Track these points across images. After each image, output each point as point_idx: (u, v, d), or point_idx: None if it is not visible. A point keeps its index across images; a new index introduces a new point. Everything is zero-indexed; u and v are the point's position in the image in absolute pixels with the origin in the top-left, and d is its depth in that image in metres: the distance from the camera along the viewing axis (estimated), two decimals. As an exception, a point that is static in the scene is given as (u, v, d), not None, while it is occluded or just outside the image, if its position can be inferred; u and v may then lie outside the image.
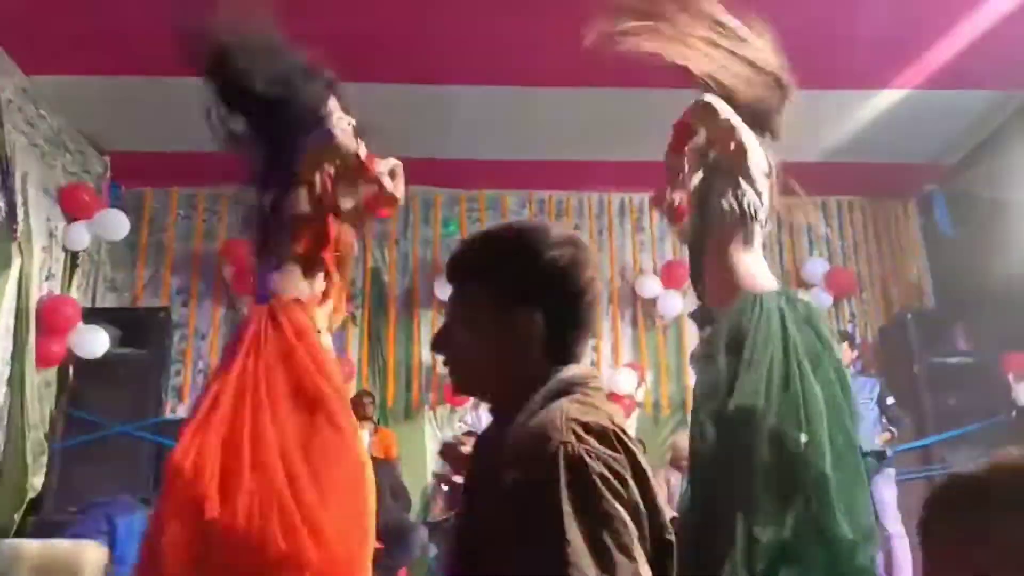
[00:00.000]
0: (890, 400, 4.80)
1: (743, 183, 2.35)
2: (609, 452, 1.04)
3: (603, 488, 1.00)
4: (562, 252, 1.16)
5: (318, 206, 2.21)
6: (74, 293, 5.14)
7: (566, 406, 1.09)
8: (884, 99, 4.96)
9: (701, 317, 2.58)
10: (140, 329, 5.04)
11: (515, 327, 1.15)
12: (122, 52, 4.39)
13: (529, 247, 1.17)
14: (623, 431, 1.10)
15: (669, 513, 4.25)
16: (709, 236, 2.42)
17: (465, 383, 1.23)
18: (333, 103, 2.30)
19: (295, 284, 2.15)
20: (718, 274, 2.38)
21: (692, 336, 6.01)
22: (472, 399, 5.01)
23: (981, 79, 4.79)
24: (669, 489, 5.08)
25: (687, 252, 2.75)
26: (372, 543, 2.00)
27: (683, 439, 5.22)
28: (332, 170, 2.27)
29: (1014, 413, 5.02)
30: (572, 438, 1.02)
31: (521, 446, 1.05)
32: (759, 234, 2.40)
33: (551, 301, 1.16)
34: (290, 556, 1.77)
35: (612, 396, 5.70)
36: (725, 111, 2.36)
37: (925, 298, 6.18)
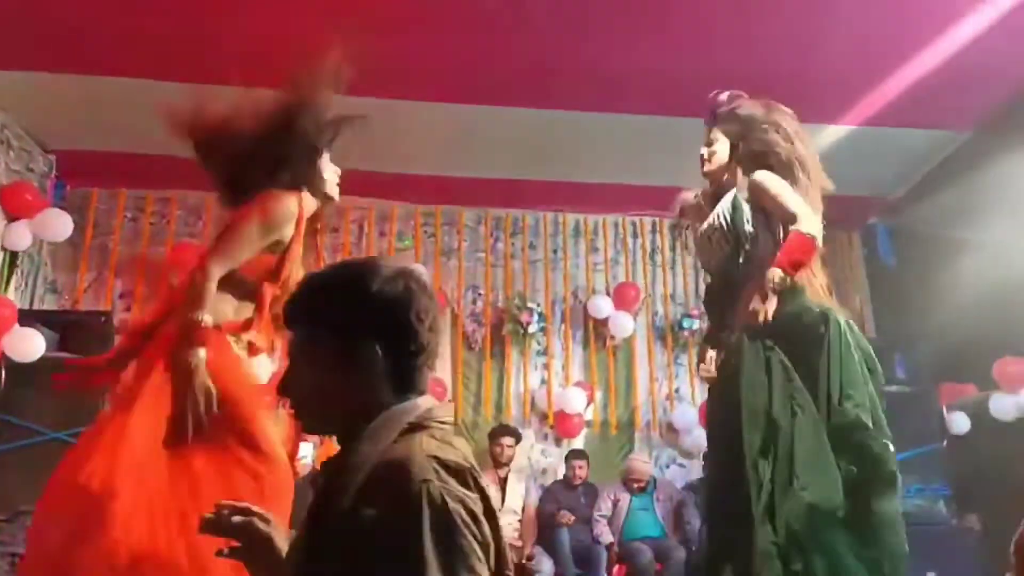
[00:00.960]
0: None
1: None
2: (465, 492, 1.09)
3: (461, 526, 1.05)
4: (393, 284, 1.20)
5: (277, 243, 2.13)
6: (11, 294, 4.97)
7: (425, 442, 1.14)
8: (832, 134, 5.11)
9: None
10: (79, 333, 4.86)
11: (354, 361, 1.19)
12: (71, 49, 4.29)
13: (359, 283, 1.21)
14: (476, 469, 1.16)
15: (608, 537, 4.28)
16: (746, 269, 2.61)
17: (312, 423, 1.27)
18: (324, 161, 2.28)
19: (220, 305, 2.03)
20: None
21: (642, 357, 6.09)
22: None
23: (925, 119, 4.99)
24: (617, 508, 5.13)
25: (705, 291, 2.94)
26: None
27: (637, 462, 5.29)
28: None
29: (946, 441, 5.20)
30: (433, 476, 1.07)
31: (381, 480, 1.09)
32: None
33: (387, 332, 1.19)
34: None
35: (561, 415, 5.74)
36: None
37: (866, 327, 6.37)
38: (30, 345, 4.52)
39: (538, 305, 6.00)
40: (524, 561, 4.76)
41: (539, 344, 6.01)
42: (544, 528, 5.00)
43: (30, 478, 4.25)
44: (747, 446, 2.33)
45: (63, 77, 4.50)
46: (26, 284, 5.25)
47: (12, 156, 5.01)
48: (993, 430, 4.92)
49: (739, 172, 2.74)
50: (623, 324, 5.92)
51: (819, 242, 2.52)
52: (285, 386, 1.26)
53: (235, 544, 1.23)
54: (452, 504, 1.06)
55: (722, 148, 2.76)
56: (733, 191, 2.70)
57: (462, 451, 1.17)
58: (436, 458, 1.10)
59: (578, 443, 5.75)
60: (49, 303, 5.46)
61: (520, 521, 5.03)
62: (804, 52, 4.31)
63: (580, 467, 5.27)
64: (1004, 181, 4.72)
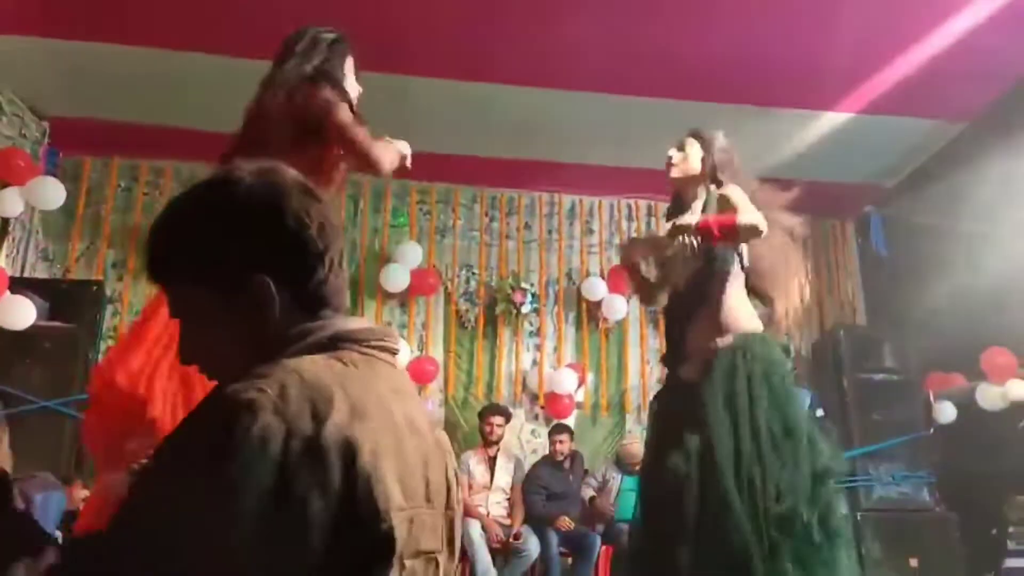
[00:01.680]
0: (819, 412, 4.96)
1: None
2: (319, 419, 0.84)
3: (292, 471, 0.81)
4: (257, 193, 0.98)
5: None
6: (2, 261, 4.94)
7: (309, 361, 0.92)
8: (829, 121, 5.12)
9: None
10: (70, 302, 4.86)
11: (244, 303, 0.96)
12: (66, 15, 4.24)
13: (216, 205, 0.99)
14: (382, 402, 0.93)
15: (591, 493, 4.27)
16: (710, 285, 2.62)
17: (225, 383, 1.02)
18: (349, 65, 2.35)
19: None
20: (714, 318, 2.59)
21: (634, 340, 6.11)
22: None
23: (921, 108, 4.98)
24: (607, 487, 5.18)
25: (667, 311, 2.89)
26: None
27: (636, 445, 5.30)
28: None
29: (932, 430, 5.25)
30: (274, 391, 0.84)
31: (207, 401, 0.89)
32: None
33: (270, 254, 0.97)
34: None
35: (552, 396, 5.75)
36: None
37: (857, 315, 6.40)
38: (21, 313, 4.50)
39: (532, 285, 6.00)
40: (511, 539, 4.80)
41: (532, 325, 6.02)
42: (533, 516, 5.01)
43: (20, 446, 4.29)
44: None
45: (58, 43, 4.44)
46: (17, 252, 5.22)
47: (4, 122, 4.96)
48: (980, 420, 4.98)
49: (703, 186, 2.75)
50: (616, 307, 5.94)
51: (743, 231, 2.52)
52: (182, 354, 1.04)
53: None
54: (271, 427, 0.81)
55: (695, 156, 2.76)
56: (701, 204, 2.72)
57: (370, 376, 0.95)
58: (297, 372, 0.88)
59: (568, 424, 5.79)
60: (41, 271, 5.43)
61: (508, 500, 5.07)
62: (803, 40, 4.29)
63: (561, 441, 5.23)
64: (999, 173, 4.73)
